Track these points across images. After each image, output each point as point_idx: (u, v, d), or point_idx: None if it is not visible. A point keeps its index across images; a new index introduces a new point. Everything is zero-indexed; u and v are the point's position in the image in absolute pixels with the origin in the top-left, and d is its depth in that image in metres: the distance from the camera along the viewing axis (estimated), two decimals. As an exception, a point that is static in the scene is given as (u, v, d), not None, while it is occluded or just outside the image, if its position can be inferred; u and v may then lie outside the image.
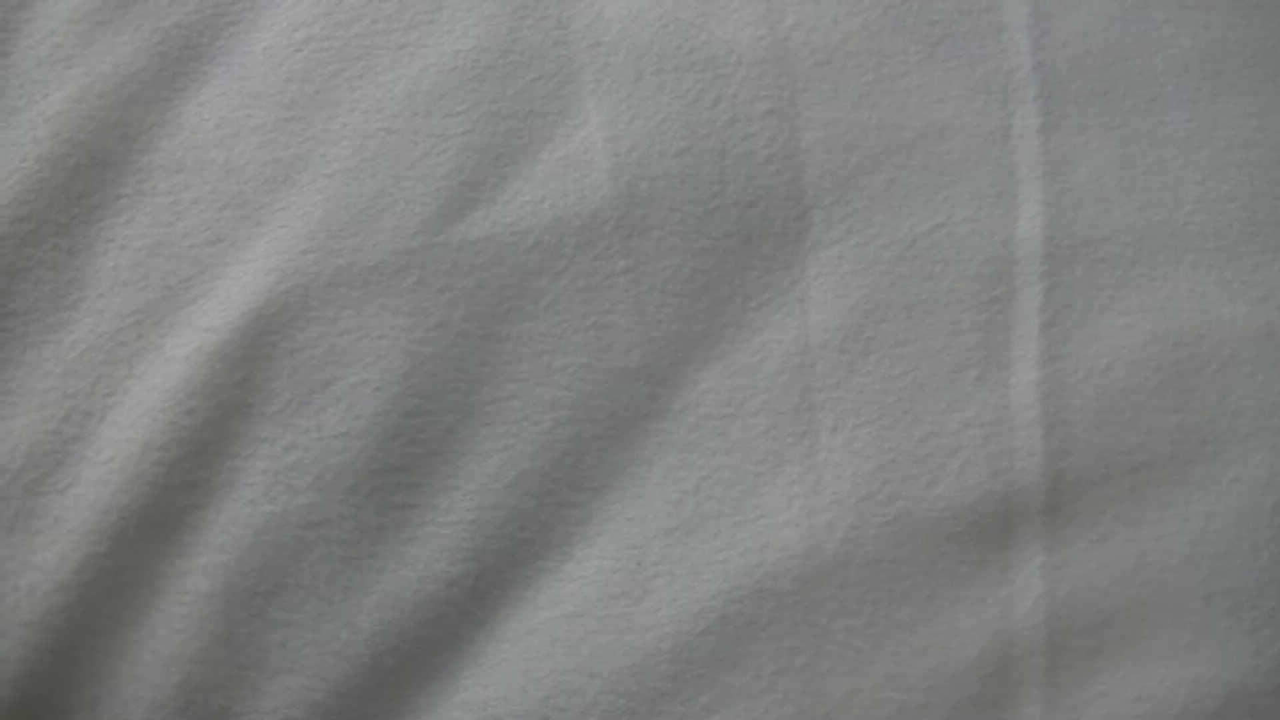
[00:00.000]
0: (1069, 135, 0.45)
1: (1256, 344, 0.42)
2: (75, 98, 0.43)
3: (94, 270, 0.41)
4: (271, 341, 0.40)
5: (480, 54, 0.45)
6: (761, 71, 0.45)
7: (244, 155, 0.43)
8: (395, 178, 0.42)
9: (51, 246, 0.42)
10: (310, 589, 0.39)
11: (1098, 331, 0.42)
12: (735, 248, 0.42)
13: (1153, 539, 0.39)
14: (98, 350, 0.41)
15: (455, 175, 0.42)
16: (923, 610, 0.38)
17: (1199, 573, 0.38)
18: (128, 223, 0.42)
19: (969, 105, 0.45)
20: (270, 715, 0.39)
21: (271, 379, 0.40)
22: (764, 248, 0.43)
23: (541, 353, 0.40)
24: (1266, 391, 0.41)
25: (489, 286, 0.41)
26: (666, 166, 0.43)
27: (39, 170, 0.42)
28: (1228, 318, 0.42)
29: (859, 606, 0.38)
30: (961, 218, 0.43)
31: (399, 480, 0.40)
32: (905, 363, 0.41)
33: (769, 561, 0.38)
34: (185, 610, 0.39)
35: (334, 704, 0.38)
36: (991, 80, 0.46)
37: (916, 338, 0.41)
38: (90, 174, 0.43)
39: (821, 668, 0.37)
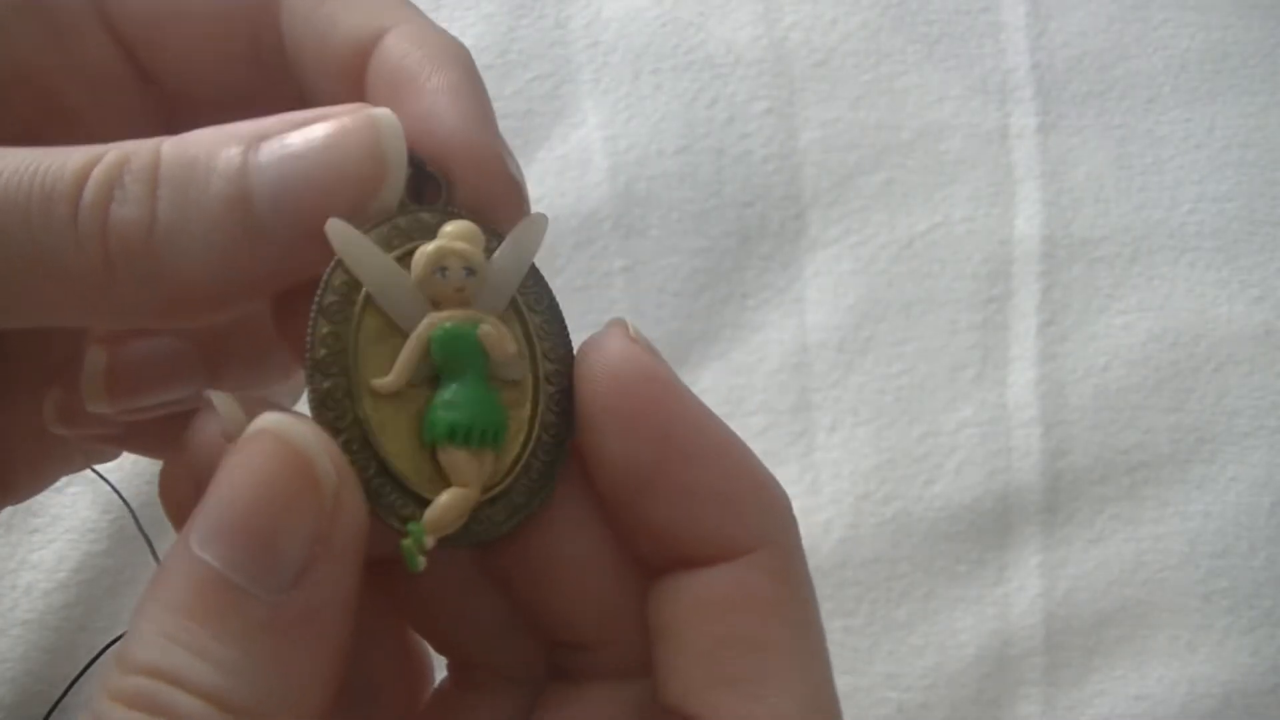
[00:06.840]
0: (1067, 135, 0.45)
1: (1254, 343, 0.42)
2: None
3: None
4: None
5: (478, 53, 0.44)
6: (759, 71, 0.45)
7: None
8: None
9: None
10: None
11: (1095, 330, 0.42)
12: (733, 247, 0.42)
13: (1151, 538, 0.39)
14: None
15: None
16: (920, 609, 0.38)
17: (1197, 572, 0.38)
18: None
19: (967, 105, 0.45)
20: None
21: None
22: (762, 247, 0.43)
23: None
24: (1264, 390, 0.41)
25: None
26: (664, 166, 0.43)
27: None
28: (1225, 317, 0.42)
29: (856, 605, 0.38)
30: (959, 217, 0.43)
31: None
32: (903, 362, 0.41)
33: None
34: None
35: None
36: (989, 80, 0.46)
37: (914, 337, 0.41)
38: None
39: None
